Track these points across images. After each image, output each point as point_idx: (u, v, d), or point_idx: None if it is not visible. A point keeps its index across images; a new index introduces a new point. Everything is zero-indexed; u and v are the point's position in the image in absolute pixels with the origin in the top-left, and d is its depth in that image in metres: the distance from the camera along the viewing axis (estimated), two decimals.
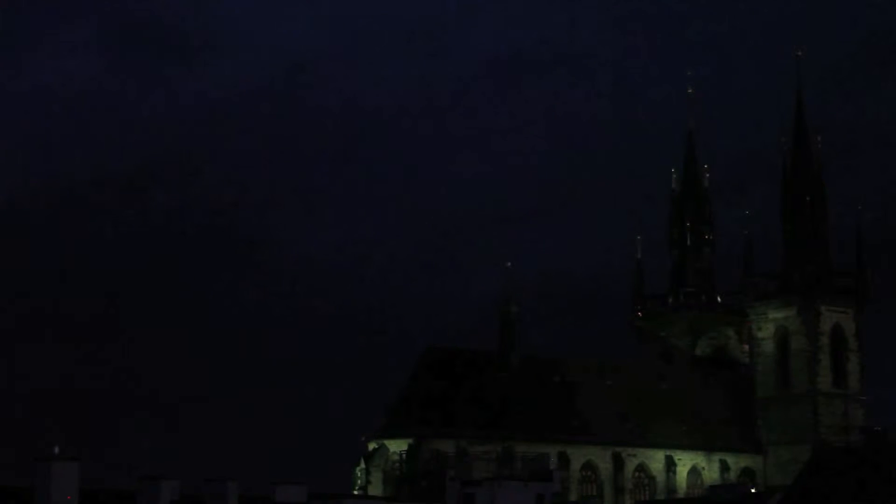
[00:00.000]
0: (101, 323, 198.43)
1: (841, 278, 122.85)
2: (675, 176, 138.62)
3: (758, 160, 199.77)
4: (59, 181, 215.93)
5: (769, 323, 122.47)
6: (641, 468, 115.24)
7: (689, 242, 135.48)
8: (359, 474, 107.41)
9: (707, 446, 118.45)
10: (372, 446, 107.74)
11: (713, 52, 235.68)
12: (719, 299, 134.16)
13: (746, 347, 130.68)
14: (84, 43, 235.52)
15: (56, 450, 54.24)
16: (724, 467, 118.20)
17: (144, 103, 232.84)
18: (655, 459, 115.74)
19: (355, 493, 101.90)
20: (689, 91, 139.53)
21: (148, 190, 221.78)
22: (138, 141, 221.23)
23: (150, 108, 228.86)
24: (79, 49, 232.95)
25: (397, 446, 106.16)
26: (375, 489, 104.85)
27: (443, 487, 73.00)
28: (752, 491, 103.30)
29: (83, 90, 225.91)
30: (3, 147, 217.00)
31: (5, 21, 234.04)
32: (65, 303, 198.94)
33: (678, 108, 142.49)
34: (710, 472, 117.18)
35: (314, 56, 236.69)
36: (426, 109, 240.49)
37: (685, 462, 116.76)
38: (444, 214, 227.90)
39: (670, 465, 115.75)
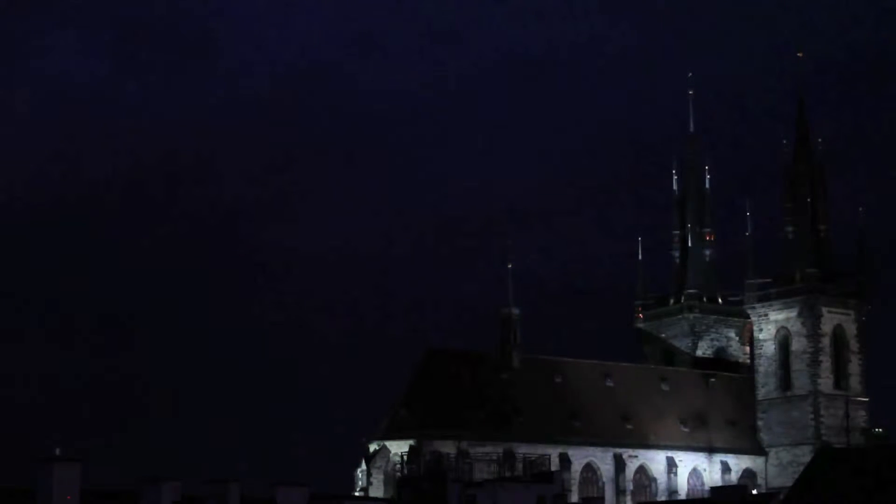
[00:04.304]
0: (102, 323, 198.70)
1: (842, 279, 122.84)
2: (675, 177, 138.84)
3: (759, 161, 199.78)
4: (63, 182, 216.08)
5: (770, 324, 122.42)
6: (642, 469, 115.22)
7: (690, 243, 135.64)
8: (360, 476, 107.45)
9: (708, 447, 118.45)
10: (373, 448, 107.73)
11: (714, 53, 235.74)
12: (720, 300, 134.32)
13: (747, 348, 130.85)
14: (88, 44, 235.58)
15: (57, 451, 54.17)
16: (726, 468, 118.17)
17: (147, 105, 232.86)
18: (656, 461, 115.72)
19: (356, 494, 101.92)
20: (690, 92, 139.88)
21: (151, 191, 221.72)
22: (141, 142, 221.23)
23: (153, 109, 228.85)
24: (83, 51, 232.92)
25: (398, 448, 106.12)
26: (377, 491, 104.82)
27: (444, 489, 72.83)
28: (754, 492, 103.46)
29: (87, 92, 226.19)
30: (6, 148, 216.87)
31: (9, 22, 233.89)
32: (66, 303, 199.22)
33: (679, 110, 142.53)
34: (712, 474, 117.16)
35: (315, 58, 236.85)
36: (427, 110, 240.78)
37: (686, 463, 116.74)
38: (444, 215, 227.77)
39: (671, 466, 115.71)
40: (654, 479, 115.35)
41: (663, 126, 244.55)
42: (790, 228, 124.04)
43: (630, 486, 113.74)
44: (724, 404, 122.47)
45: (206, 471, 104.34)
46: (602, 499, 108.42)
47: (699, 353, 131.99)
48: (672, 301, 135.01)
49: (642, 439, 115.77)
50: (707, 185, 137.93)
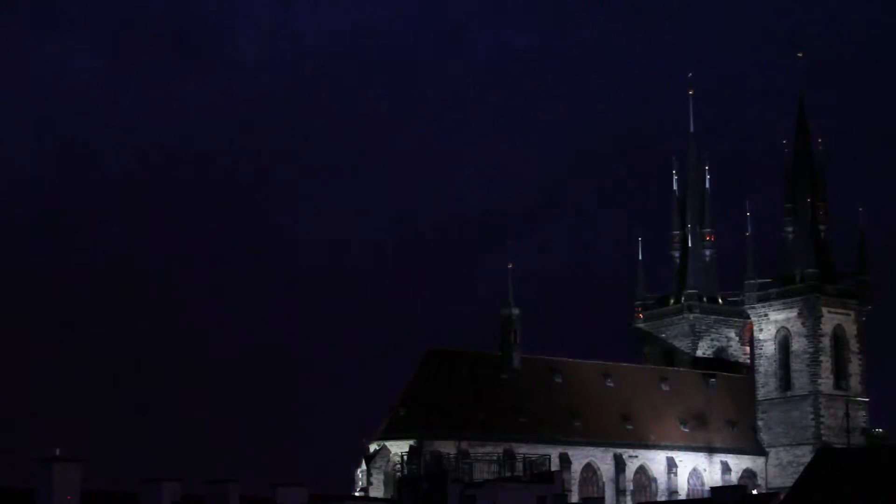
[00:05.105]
0: (102, 322, 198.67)
1: (842, 279, 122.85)
2: (676, 177, 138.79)
3: (759, 161, 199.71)
4: (63, 182, 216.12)
5: (770, 324, 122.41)
6: (642, 469, 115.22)
7: (690, 243, 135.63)
8: (360, 476, 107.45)
9: (708, 448, 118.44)
10: (373, 448, 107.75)
11: (714, 53, 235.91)
12: (720, 300, 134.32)
13: (747, 348, 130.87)
14: (88, 44, 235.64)
15: (57, 451, 54.08)
16: (726, 468, 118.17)
17: (147, 105, 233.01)
18: (656, 461, 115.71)
19: (356, 494, 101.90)
20: (690, 92, 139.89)
21: (150, 191, 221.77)
22: (141, 142, 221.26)
23: (153, 109, 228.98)
24: (83, 51, 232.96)
25: (398, 448, 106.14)
26: (377, 491, 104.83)
27: (444, 489, 72.74)
28: (754, 492, 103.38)
29: (87, 92, 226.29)
30: (6, 148, 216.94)
31: (9, 22, 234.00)
32: (65, 304, 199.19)
33: (679, 110, 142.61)
34: (712, 474, 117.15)
35: (315, 58, 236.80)
36: (427, 110, 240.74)
37: (686, 463, 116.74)
38: (445, 215, 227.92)
39: (671, 466, 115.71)
40: (654, 479, 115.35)
41: (663, 126, 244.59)
42: (790, 228, 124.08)
43: (630, 486, 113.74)
44: (724, 404, 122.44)
45: (206, 471, 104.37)
46: (602, 499, 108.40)
47: (699, 353, 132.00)
48: (672, 301, 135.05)
49: (642, 439, 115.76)
50: (707, 185, 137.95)
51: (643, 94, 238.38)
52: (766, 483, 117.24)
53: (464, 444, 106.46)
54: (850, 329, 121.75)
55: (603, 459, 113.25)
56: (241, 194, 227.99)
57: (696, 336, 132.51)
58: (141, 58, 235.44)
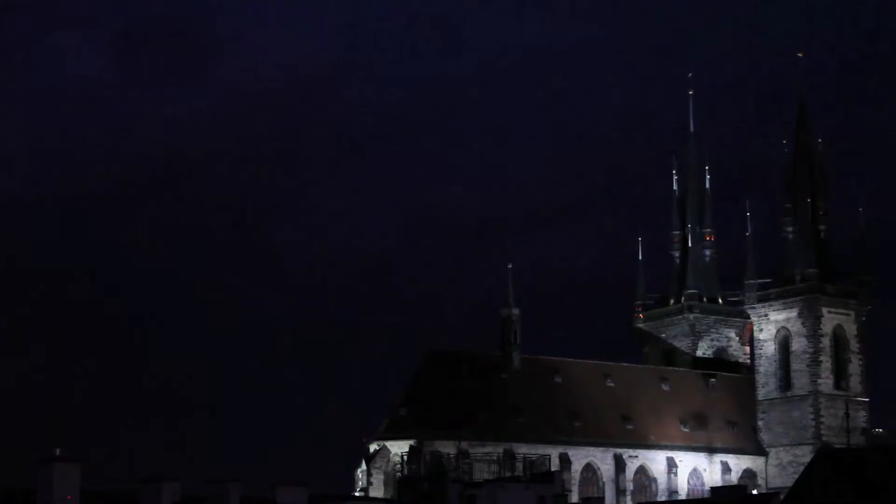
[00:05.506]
0: (103, 323, 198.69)
1: (842, 279, 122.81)
2: (676, 177, 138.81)
3: (759, 161, 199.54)
4: (63, 182, 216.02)
5: (770, 324, 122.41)
6: (642, 469, 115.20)
7: (690, 243, 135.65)
8: (360, 476, 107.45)
9: (708, 448, 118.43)
10: (373, 448, 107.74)
11: (714, 53, 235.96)
12: (720, 300, 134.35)
13: (747, 349, 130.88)
14: (88, 45, 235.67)
15: (57, 451, 54.12)
16: (726, 468, 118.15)
17: (148, 105, 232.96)
18: (656, 461, 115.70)
19: (356, 494, 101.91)
20: (690, 92, 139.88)
21: (152, 191, 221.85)
22: (141, 142, 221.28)
23: (153, 109, 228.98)
24: (83, 51, 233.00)
25: (399, 448, 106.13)
26: (377, 491, 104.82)
27: (444, 489, 72.85)
28: (754, 492, 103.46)
29: (87, 92, 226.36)
30: (6, 148, 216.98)
31: (10, 22, 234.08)
32: (66, 303, 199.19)
33: (679, 110, 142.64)
34: (712, 474, 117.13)
35: (315, 59, 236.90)
36: (427, 110, 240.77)
37: (686, 463, 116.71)
38: (445, 215, 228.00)
39: (671, 466, 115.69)
40: (654, 479, 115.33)
41: (663, 126, 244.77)
42: (790, 228, 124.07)
43: (630, 486, 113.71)
44: (724, 404, 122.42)
45: (206, 471, 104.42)
46: (602, 499, 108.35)
47: (699, 353, 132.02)
48: (672, 301, 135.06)
49: (642, 439, 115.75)
50: (707, 185, 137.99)
51: (643, 94, 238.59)
52: (766, 483, 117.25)
53: (464, 444, 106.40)
54: (850, 329, 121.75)
55: (603, 459, 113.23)
56: (241, 195, 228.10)
57: (696, 336, 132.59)
58: (141, 58, 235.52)
